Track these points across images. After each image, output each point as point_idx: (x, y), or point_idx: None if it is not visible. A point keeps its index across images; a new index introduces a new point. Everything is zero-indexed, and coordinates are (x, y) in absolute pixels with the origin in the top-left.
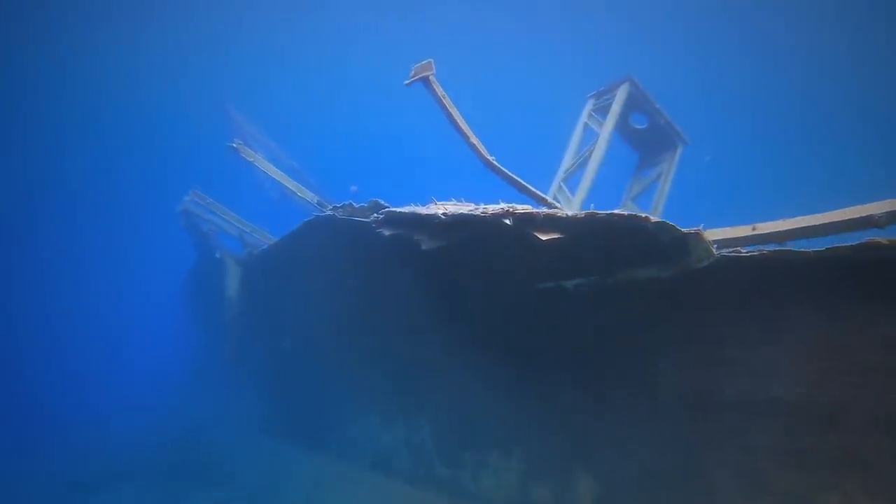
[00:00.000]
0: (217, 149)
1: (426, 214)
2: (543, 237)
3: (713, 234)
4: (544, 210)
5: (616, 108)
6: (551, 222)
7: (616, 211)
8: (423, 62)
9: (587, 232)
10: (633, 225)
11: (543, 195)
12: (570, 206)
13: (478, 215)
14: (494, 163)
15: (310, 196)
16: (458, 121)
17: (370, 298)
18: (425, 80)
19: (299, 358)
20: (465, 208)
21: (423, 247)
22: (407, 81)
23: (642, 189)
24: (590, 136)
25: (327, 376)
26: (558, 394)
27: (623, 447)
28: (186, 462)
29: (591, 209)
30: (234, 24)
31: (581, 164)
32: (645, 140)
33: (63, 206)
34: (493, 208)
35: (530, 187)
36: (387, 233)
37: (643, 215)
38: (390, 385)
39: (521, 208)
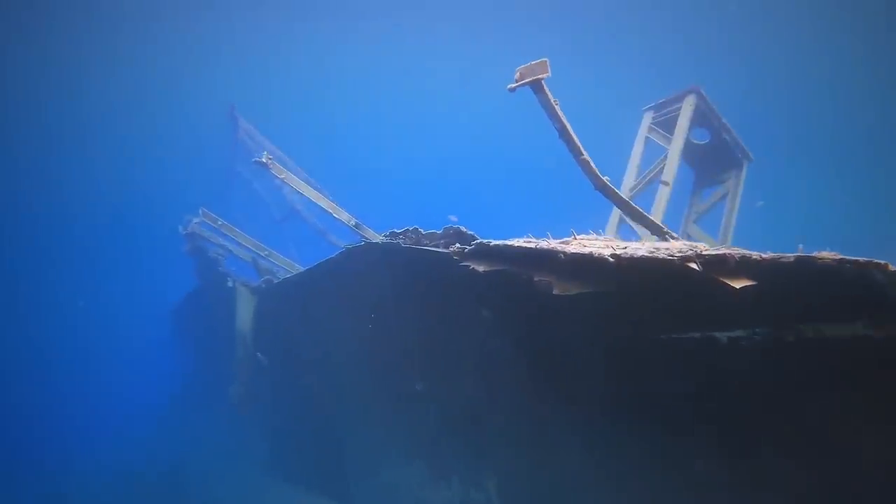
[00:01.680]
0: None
1: (548, 250)
2: (737, 285)
3: None
4: (737, 251)
5: (683, 121)
6: (745, 266)
7: (839, 256)
8: (535, 61)
9: (789, 279)
10: (860, 273)
11: (664, 226)
12: (643, 231)
13: (661, 258)
14: (608, 184)
15: (346, 217)
16: (571, 134)
17: (426, 338)
18: (536, 85)
19: (321, 397)
20: (633, 248)
21: (556, 291)
22: (513, 85)
23: (705, 210)
24: (651, 152)
25: (356, 418)
26: (690, 461)
27: None
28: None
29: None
30: (245, 27)
31: (647, 183)
32: (705, 157)
33: (45, 216)
34: (676, 248)
35: (649, 216)
36: (480, 268)
37: (879, 262)
38: (443, 434)
39: (704, 249)
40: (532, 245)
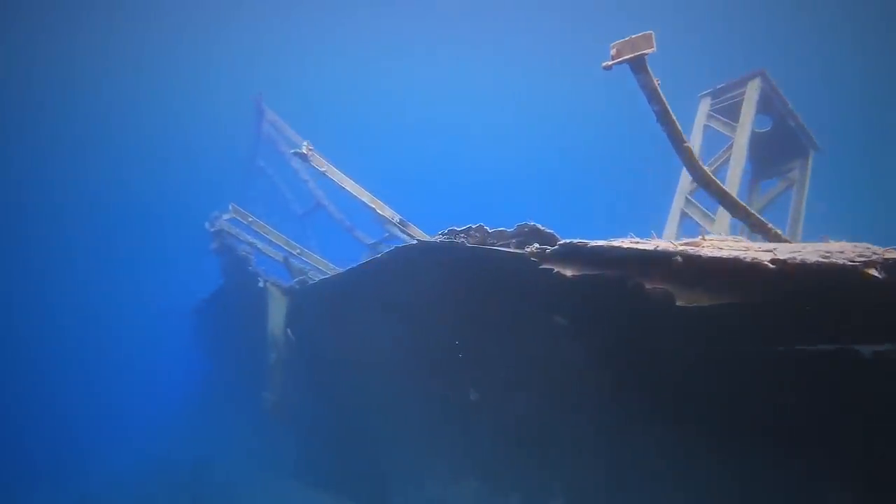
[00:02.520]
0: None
1: (673, 252)
2: None
3: None
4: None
5: (749, 108)
6: None
7: None
8: (637, 35)
9: None
10: None
11: (769, 224)
12: (715, 228)
13: (840, 264)
14: (709, 174)
15: (389, 214)
16: (673, 118)
17: (485, 345)
18: (638, 62)
19: (358, 403)
20: (794, 252)
21: (680, 302)
22: (609, 63)
23: (764, 205)
24: (711, 142)
25: (398, 427)
26: (822, 496)
27: None
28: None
29: None
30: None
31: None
32: (765, 146)
33: (64, 210)
34: (848, 251)
35: (755, 213)
36: (567, 272)
37: None
38: (501, 446)
39: (881, 251)
40: (648, 246)
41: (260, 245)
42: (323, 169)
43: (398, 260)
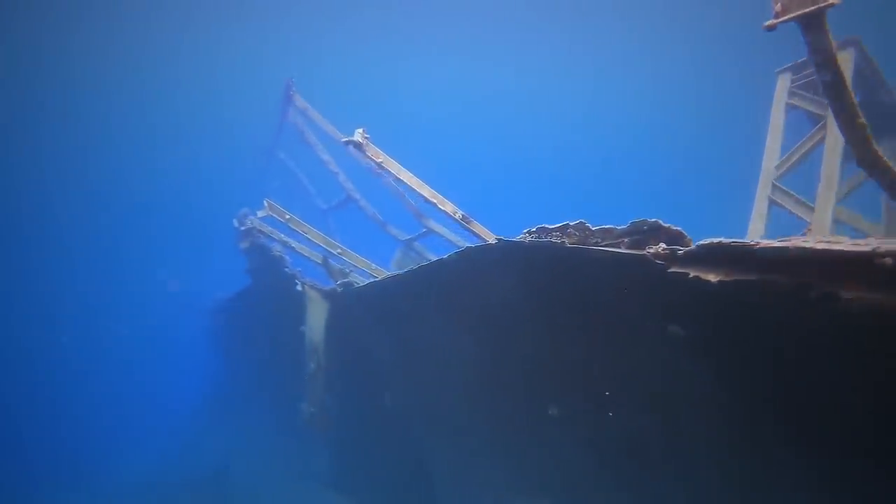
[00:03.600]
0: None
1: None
2: None
3: None
4: None
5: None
6: None
7: None
8: None
9: None
10: None
11: None
12: (815, 218)
13: None
14: (885, 160)
15: (450, 209)
16: (849, 92)
17: (574, 356)
18: (813, 19)
19: (407, 414)
20: None
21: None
22: (774, 22)
23: (854, 187)
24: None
25: (452, 441)
26: None
27: None
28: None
29: None
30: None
31: (801, 160)
32: None
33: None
34: None
35: None
36: (711, 277)
37: None
38: (588, 467)
39: None
40: (843, 246)
41: (294, 244)
42: (380, 160)
43: (473, 261)
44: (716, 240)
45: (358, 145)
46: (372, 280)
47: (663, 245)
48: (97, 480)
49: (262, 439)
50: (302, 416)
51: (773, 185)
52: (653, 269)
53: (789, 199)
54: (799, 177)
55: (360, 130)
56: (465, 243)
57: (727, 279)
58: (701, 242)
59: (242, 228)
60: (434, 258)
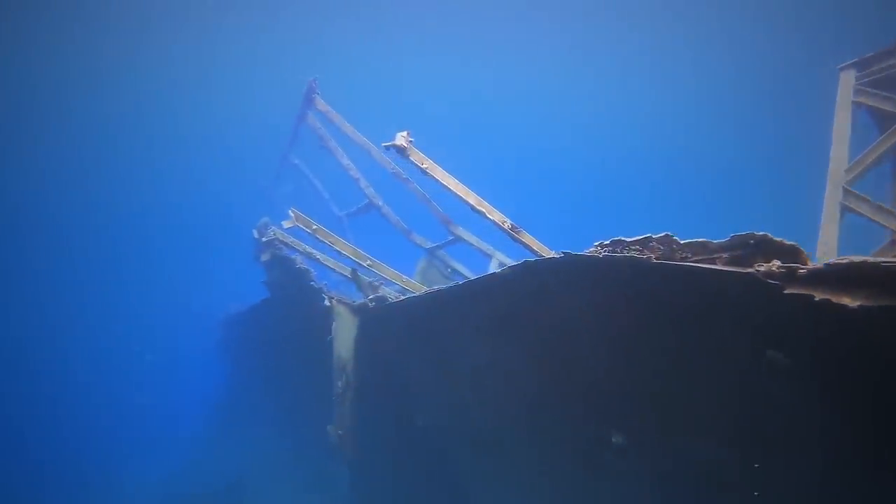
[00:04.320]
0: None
1: None
2: None
3: None
4: None
5: None
6: None
7: None
8: None
9: None
10: None
11: None
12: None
13: None
14: None
15: (498, 218)
16: None
17: (642, 380)
18: None
19: (444, 438)
20: None
21: None
22: None
23: None
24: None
25: (495, 466)
26: None
27: None
28: None
29: None
30: None
31: (875, 163)
32: None
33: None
34: None
35: None
36: (850, 302)
37: None
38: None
39: None
40: None
41: (319, 256)
42: (424, 165)
43: (532, 276)
44: (854, 258)
45: (401, 150)
46: (410, 294)
47: (778, 262)
48: (109, 493)
49: (277, 455)
50: (330, 439)
51: (845, 190)
52: (762, 290)
53: (866, 204)
54: (866, 181)
55: (404, 134)
56: (495, 253)
57: (869, 304)
58: (831, 261)
59: (264, 240)
60: (460, 267)
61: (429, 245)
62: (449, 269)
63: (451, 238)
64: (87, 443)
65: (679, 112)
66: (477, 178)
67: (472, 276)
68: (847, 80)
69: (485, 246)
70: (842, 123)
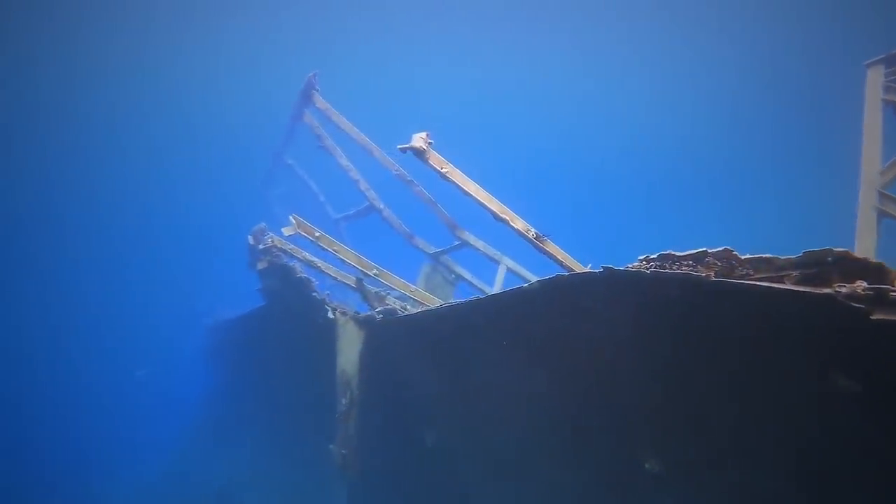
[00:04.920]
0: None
1: None
2: None
3: None
4: None
5: None
6: None
7: None
8: None
9: None
10: None
11: None
12: None
13: None
14: None
15: (521, 226)
16: None
17: (685, 405)
18: None
19: (453, 457)
20: None
21: None
22: None
23: None
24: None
25: (511, 491)
26: None
27: None
28: None
29: None
30: None
31: None
32: None
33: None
34: None
35: None
36: None
37: None
38: None
39: None
40: None
41: (321, 264)
42: (444, 170)
43: (562, 292)
44: None
45: (420, 152)
46: (424, 308)
47: (864, 284)
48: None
49: (268, 467)
50: (333, 459)
51: (880, 194)
52: (844, 314)
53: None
54: None
55: (423, 135)
56: (503, 258)
57: None
58: None
59: (260, 247)
60: (465, 273)
61: (432, 250)
62: (453, 275)
63: (456, 243)
64: (77, 451)
65: (679, 112)
66: (485, 181)
67: (478, 283)
68: (875, 77)
69: (492, 251)
70: (872, 122)
